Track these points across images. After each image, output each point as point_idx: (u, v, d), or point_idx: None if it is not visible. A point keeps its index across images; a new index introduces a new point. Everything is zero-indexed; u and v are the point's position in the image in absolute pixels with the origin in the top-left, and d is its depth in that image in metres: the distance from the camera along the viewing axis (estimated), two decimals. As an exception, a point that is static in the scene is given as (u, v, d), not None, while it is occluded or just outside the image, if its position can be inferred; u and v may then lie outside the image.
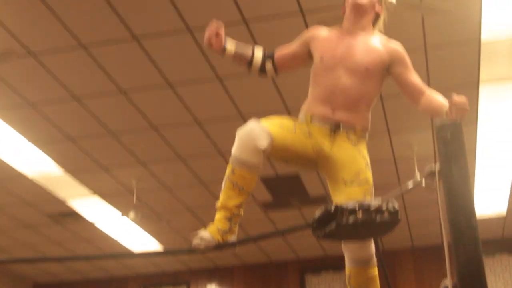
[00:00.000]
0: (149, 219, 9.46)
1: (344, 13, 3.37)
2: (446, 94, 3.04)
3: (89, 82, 6.60)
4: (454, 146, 2.42)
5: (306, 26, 5.59)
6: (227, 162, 3.01)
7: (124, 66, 6.38)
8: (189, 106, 7.02)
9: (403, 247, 11.33)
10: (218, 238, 2.92)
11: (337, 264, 8.44)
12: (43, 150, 7.83)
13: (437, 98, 3.07)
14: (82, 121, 7.25)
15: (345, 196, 3.00)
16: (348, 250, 3.23)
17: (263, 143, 2.95)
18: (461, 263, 2.25)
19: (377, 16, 3.38)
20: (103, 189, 8.93)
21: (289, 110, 6.95)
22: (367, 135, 3.21)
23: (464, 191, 2.36)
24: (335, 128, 3.10)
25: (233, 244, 3.00)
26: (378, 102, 6.62)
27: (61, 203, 9.26)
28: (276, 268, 12.02)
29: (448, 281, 2.52)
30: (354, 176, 3.05)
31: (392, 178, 8.63)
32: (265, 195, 9.18)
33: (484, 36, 6.05)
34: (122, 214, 9.28)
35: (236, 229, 3.01)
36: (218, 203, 3.01)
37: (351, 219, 2.60)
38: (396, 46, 3.27)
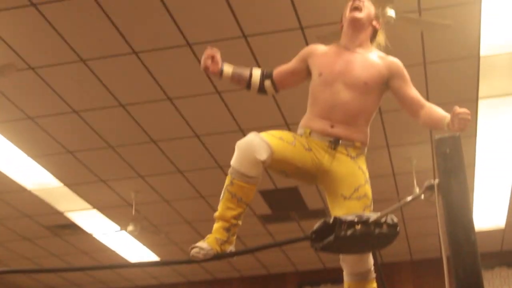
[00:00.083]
0: (147, 232, 9.46)
1: (341, 28, 3.38)
2: (445, 109, 3.06)
3: (89, 96, 6.62)
4: (453, 160, 2.42)
5: (306, 42, 5.61)
6: (226, 175, 3.02)
7: (124, 80, 6.41)
8: (188, 120, 7.04)
9: (403, 260, 11.33)
10: (217, 248, 2.92)
11: (335, 277, 8.43)
12: (42, 163, 7.84)
13: (437, 111, 3.08)
14: (81, 134, 7.26)
15: (344, 210, 3.00)
16: (346, 264, 3.23)
17: (263, 155, 2.95)
18: (460, 276, 2.25)
19: (375, 32, 3.39)
20: (101, 201, 8.93)
21: (289, 124, 6.97)
22: (366, 149, 3.22)
23: (463, 205, 2.37)
24: (334, 143, 3.10)
25: (231, 255, 3.01)
26: (377, 116, 6.65)
27: (59, 215, 9.26)
28: (274, 281, 12.01)
29: (447, 295, 2.53)
30: (354, 192, 3.05)
31: (391, 191, 8.63)
32: (264, 208, 9.18)
33: (483, 52, 6.07)
34: (121, 228, 9.28)
35: (234, 240, 3.01)
36: (217, 214, 3.01)
37: (349, 231, 2.61)
38: (394, 60, 3.28)
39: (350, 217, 2.64)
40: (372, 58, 3.25)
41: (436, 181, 2.44)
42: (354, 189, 3.06)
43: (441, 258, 2.46)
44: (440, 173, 2.43)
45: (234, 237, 3.01)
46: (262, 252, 9.98)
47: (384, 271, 3.39)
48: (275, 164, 3.05)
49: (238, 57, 5.80)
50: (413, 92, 3.23)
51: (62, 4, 5.37)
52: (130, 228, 8.99)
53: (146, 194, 8.67)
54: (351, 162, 3.11)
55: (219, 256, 2.95)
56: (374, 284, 3.25)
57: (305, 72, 3.34)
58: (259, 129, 3.23)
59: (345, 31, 3.34)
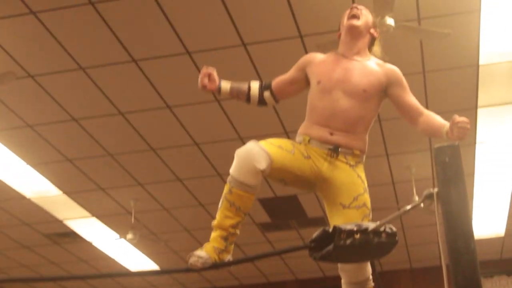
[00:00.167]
0: (147, 240, 9.45)
1: (339, 37, 3.39)
2: (444, 117, 3.06)
3: (88, 104, 6.63)
4: (452, 169, 2.42)
5: (305, 50, 5.62)
6: (225, 184, 3.02)
7: (123, 88, 6.41)
8: (187, 128, 7.04)
9: (402, 268, 11.31)
10: (215, 257, 2.91)
11: (335, 285, 8.35)
12: (41, 171, 7.84)
13: (436, 118, 3.08)
14: (81, 142, 7.26)
15: (342, 218, 2.99)
16: (344, 273, 3.22)
17: (262, 164, 2.95)
18: (460, 284, 2.25)
19: (373, 40, 3.40)
20: (101, 209, 8.92)
21: (288, 132, 6.97)
22: (364, 158, 3.22)
23: (463, 213, 2.37)
24: (333, 151, 3.10)
25: (230, 263, 3.00)
26: (376, 124, 6.67)
27: (59, 223, 9.24)
28: (274, 289, 12.00)
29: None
30: (353, 201, 3.05)
31: (391, 200, 8.63)
32: (263, 216, 9.17)
33: (483, 60, 6.08)
34: (120, 236, 9.26)
35: (232, 248, 3.00)
36: (215, 222, 3.00)
37: (348, 240, 2.60)
38: (393, 67, 3.28)
39: (349, 226, 2.64)
40: (371, 66, 3.25)
41: (436, 189, 2.44)
42: (353, 198, 3.06)
43: (440, 267, 2.45)
44: (439, 182, 2.42)
45: (232, 246, 3.00)
46: (261, 260, 9.97)
47: (383, 280, 3.39)
48: (274, 173, 3.04)
49: (238, 65, 5.82)
50: (412, 100, 3.23)
51: (62, 12, 5.38)
52: (130, 236, 8.98)
53: (146, 202, 8.66)
54: (350, 171, 3.11)
55: (217, 265, 2.94)
56: (373, 293, 3.25)
57: (304, 81, 3.34)
58: (258, 137, 3.23)
59: (343, 39, 3.34)
